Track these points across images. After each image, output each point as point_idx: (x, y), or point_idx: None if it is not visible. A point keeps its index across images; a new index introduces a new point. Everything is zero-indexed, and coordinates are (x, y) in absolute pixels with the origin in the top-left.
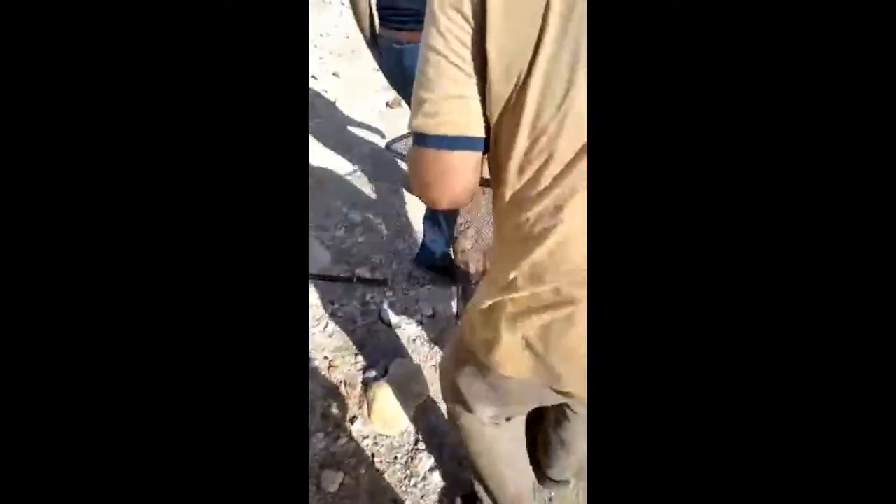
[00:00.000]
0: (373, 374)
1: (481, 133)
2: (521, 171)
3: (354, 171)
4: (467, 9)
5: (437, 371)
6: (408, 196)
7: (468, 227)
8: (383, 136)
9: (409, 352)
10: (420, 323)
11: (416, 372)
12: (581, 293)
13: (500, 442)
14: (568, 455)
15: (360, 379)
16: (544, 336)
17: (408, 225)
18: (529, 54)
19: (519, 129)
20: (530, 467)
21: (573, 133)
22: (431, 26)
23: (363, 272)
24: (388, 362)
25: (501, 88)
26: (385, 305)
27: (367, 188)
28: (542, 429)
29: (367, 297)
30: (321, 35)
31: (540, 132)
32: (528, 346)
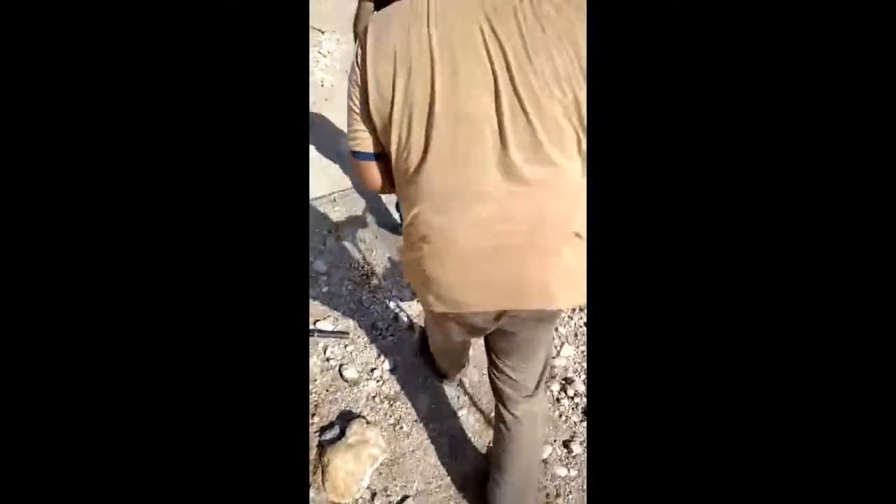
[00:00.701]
0: (328, 436)
1: (373, 150)
2: (396, 174)
3: (324, 216)
4: (359, 85)
5: (395, 429)
6: (372, 243)
7: None
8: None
9: (368, 410)
10: (380, 379)
11: (374, 435)
12: (426, 247)
13: (445, 355)
14: (516, 484)
15: (315, 442)
16: (415, 265)
17: (372, 273)
18: (388, 110)
19: (392, 154)
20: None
21: (415, 157)
22: (348, 92)
23: (325, 325)
24: (344, 424)
25: (380, 129)
26: (345, 360)
27: (333, 235)
28: (496, 460)
29: (328, 353)
30: None
31: (399, 156)
32: (412, 269)
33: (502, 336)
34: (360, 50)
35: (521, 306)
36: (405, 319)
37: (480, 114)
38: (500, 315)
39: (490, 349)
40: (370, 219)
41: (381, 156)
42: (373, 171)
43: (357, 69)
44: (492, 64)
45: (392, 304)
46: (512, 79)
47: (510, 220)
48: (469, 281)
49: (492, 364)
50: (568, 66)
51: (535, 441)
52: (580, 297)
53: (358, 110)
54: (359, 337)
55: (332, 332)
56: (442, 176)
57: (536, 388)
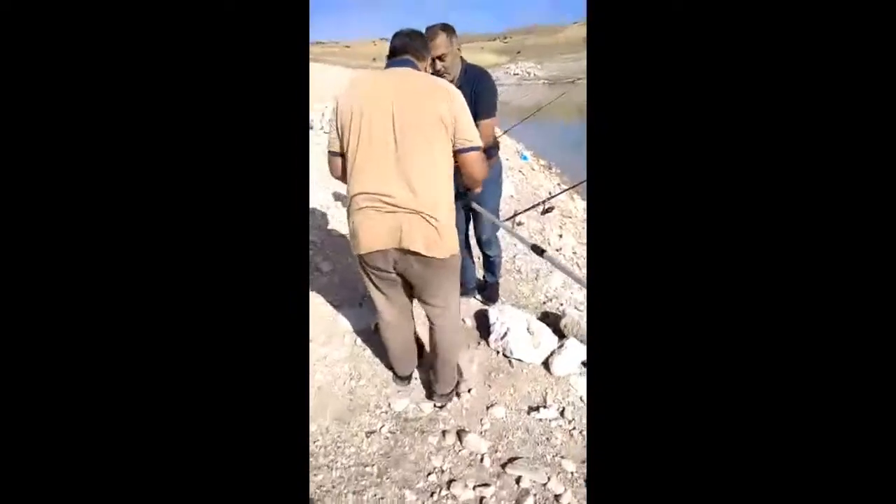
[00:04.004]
0: None
1: (339, 151)
2: (348, 167)
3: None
4: (335, 121)
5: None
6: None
7: None
8: None
9: None
10: None
11: None
12: (356, 214)
13: (390, 330)
14: (440, 368)
15: None
16: (351, 225)
17: None
18: (345, 136)
19: (348, 154)
20: (411, 349)
21: (351, 160)
22: (331, 127)
23: None
24: None
25: (342, 143)
26: None
27: None
28: (429, 354)
29: None
30: None
31: (348, 158)
32: (350, 228)
33: (406, 280)
34: (335, 106)
35: (399, 246)
36: None
37: (385, 140)
38: (387, 253)
39: (412, 294)
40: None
41: (342, 155)
42: (338, 163)
43: (334, 115)
44: (392, 117)
45: None
46: (400, 124)
47: (396, 200)
48: (372, 234)
49: (418, 299)
50: (420, 116)
51: (448, 337)
52: (435, 252)
53: (334, 134)
54: None
55: None
56: (364, 169)
57: (443, 311)
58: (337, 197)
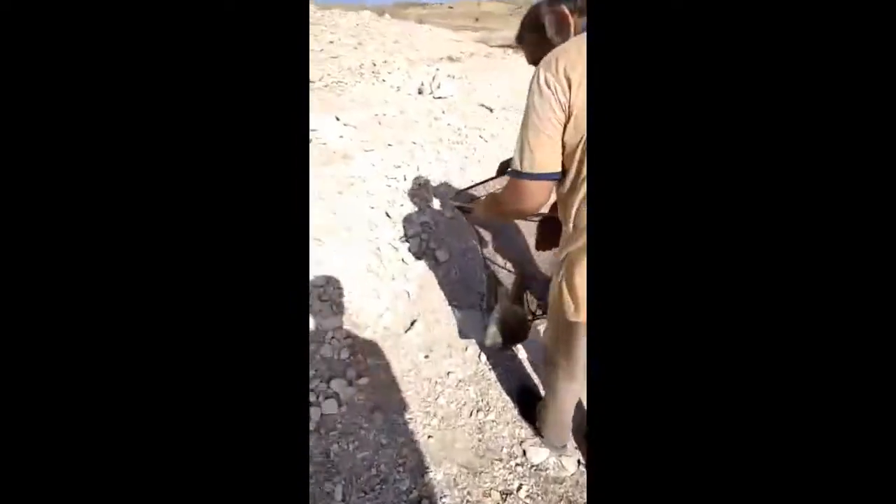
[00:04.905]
0: None
1: (557, 170)
2: (564, 185)
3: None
4: (561, 112)
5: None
6: None
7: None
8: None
9: None
10: None
11: None
12: (577, 256)
13: (561, 394)
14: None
15: None
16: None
17: None
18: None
19: (572, 169)
20: (571, 417)
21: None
22: (530, 124)
23: None
24: None
25: (569, 150)
26: None
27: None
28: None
29: None
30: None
31: (580, 169)
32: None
33: None
34: (557, 82)
35: None
36: None
37: None
38: None
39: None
40: None
41: (559, 174)
42: (546, 189)
43: (556, 98)
44: None
45: None
46: None
47: None
48: None
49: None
50: None
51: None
52: None
53: (552, 135)
54: None
55: None
56: None
57: None
58: (420, 190)
